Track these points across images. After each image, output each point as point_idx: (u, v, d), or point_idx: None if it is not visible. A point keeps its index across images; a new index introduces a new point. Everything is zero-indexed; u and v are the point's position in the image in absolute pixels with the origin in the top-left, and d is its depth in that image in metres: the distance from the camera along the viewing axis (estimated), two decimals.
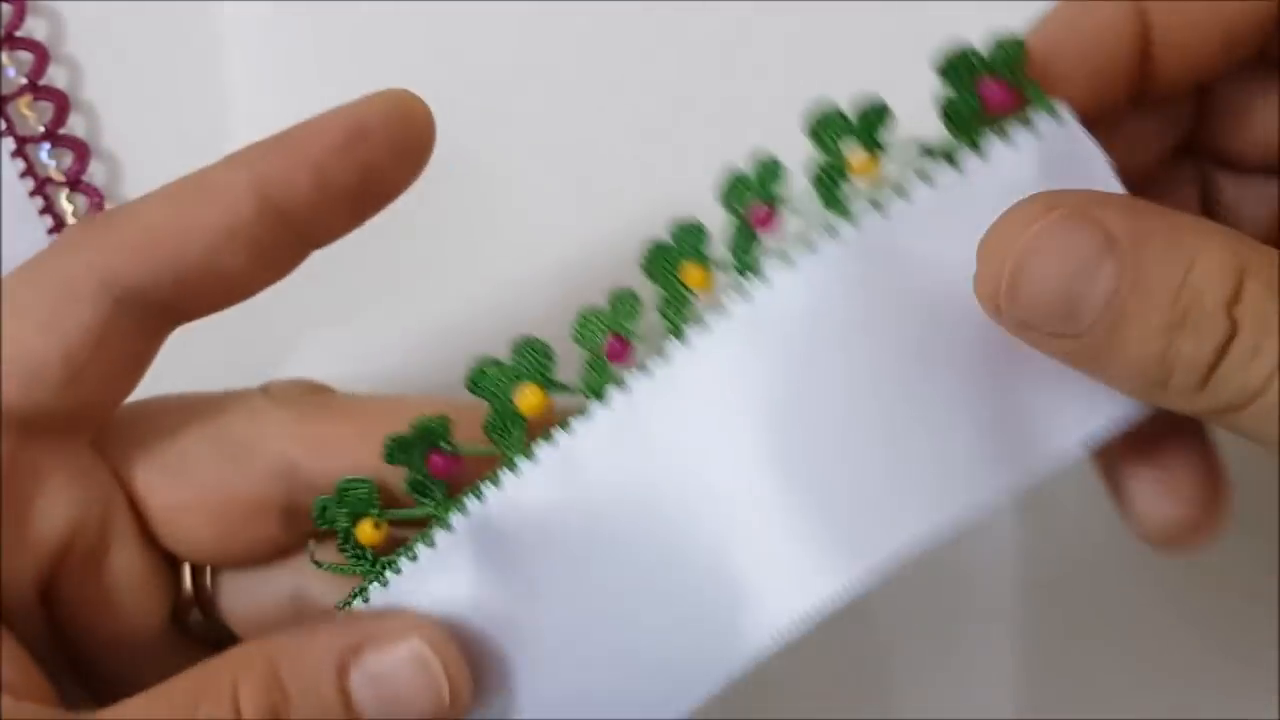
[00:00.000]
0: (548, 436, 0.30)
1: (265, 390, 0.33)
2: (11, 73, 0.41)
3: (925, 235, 0.29)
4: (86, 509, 0.31)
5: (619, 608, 0.29)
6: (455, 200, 0.40)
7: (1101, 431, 0.28)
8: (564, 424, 0.30)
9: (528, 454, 0.30)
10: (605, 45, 0.41)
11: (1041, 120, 0.28)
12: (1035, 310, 0.27)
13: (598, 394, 0.30)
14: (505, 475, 0.30)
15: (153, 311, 0.30)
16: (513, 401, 0.30)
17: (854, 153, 0.29)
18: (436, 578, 0.30)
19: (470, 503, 0.30)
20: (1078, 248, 0.26)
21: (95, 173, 0.41)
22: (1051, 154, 0.29)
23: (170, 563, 0.33)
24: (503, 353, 0.30)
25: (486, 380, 0.30)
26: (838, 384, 0.29)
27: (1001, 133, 0.28)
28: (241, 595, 0.33)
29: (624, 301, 0.30)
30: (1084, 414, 0.28)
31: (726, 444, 0.29)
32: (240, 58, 0.41)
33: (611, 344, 0.30)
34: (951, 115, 0.29)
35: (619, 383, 0.30)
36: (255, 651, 0.29)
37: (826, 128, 0.29)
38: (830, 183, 0.29)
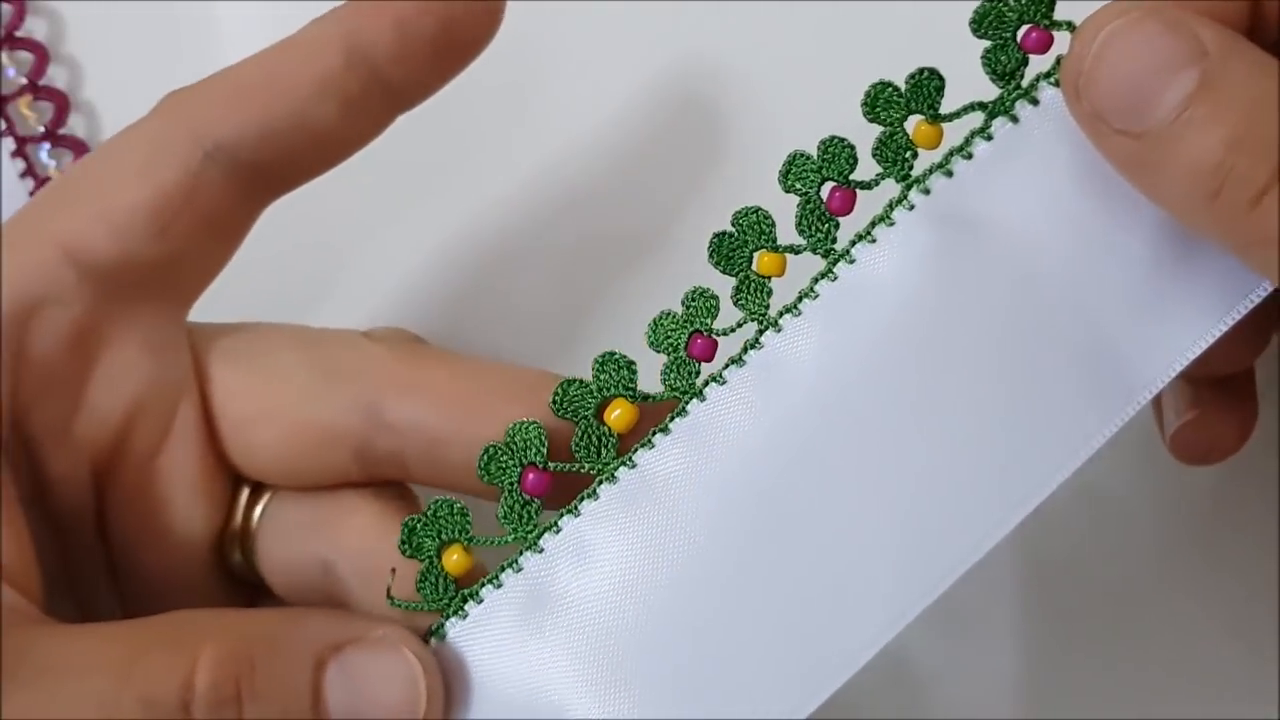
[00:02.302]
0: (627, 460, 0.29)
1: (367, 334, 0.33)
2: (11, 73, 0.41)
3: (992, 188, 0.29)
4: (154, 388, 0.30)
5: (707, 617, 0.29)
6: (459, 199, 0.40)
7: (1190, 355, 0.29)
8: (646, 441, 0.29)
9: (614, 474, 0.29)
10: (612, 42, 0.41)
11: None
12: (1108, 99, 0.27)
13: (690, 394, 0.29)
14: (593, 499, 0.29)
15: (246, 170, 0.30)
16: (602, 421, 0.29)
17: (916, 125, 0.29)
18: (505, 614, 0.29)
19: (565, 521, 0.29)
20: (1165, 47, 0.27)
21: None
22: None
23: (224, 487, 0.32)
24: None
25: (571, 400, 0.29)
26: (936, 348, 0.29)
27: (1048, 76, 0.29)
28: (277, 545, 0.32)
29: (701, 299, 0.30)
30: (1173, 338, 0.29)
31: (842, 418, 0.29)
32: (240, 58, 0.41)
33: (695, 343, 0.29)
34: (995, 68, 0.29)
35: (710, 380, 0.29)
36: (234, 619, 0.28)
37: (881, 103, 0.29)
38: (895, 156, 0.29)
